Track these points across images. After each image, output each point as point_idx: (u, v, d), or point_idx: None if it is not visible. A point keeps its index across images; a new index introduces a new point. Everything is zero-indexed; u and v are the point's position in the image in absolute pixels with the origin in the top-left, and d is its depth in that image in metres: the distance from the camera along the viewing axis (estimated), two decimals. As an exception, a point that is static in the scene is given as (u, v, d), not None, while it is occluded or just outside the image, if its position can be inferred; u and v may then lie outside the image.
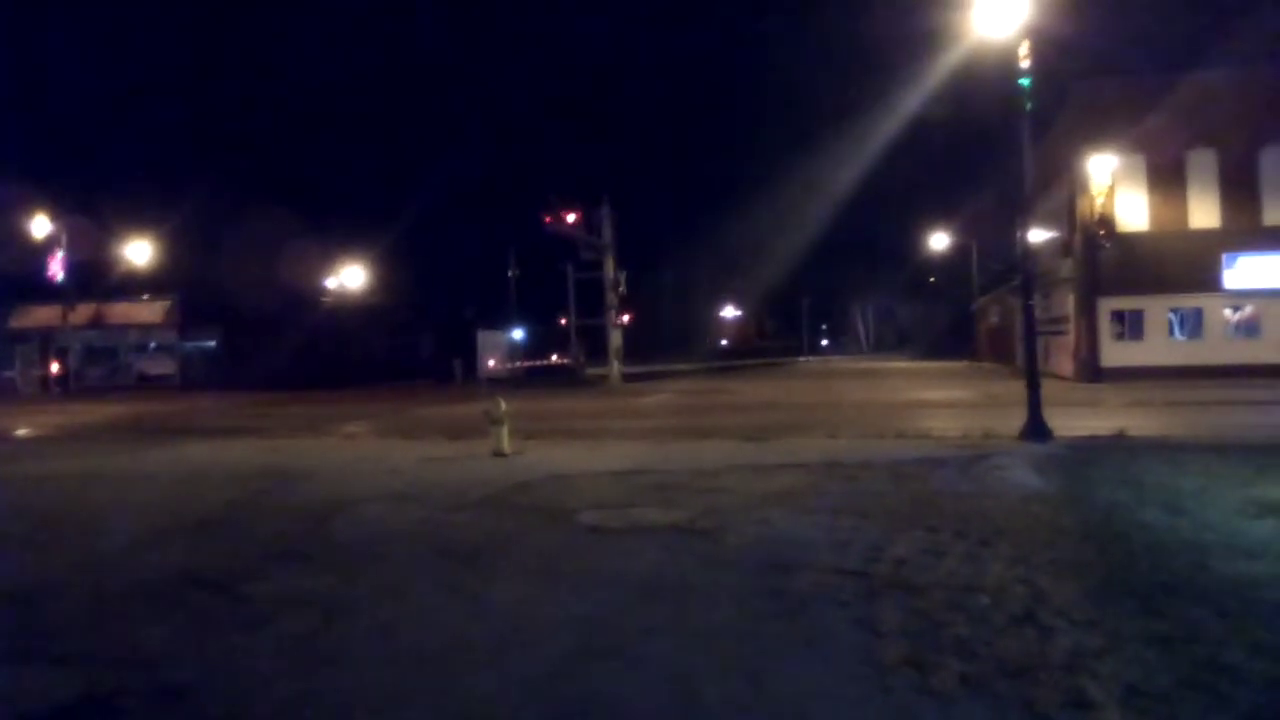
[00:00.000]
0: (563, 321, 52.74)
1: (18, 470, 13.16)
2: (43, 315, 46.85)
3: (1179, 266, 30.70)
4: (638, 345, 54.96)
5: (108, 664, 4.83)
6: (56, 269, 42.22)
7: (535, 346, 62.94)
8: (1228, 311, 31.21)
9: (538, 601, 5.80)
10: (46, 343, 46.68)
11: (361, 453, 14.77)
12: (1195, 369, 29.26)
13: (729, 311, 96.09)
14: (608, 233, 41.96)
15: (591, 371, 47.70)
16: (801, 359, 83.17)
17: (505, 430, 13.48)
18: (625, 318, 44.78)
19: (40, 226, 41.30)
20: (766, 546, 7.09)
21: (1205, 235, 30.88)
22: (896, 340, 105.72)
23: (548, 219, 38.79)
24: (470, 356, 48.77)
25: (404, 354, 52.31)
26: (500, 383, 39.86)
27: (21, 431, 21.44)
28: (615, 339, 43.25)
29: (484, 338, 50.42)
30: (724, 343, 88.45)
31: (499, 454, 13.18)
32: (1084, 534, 7.24)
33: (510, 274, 55.71)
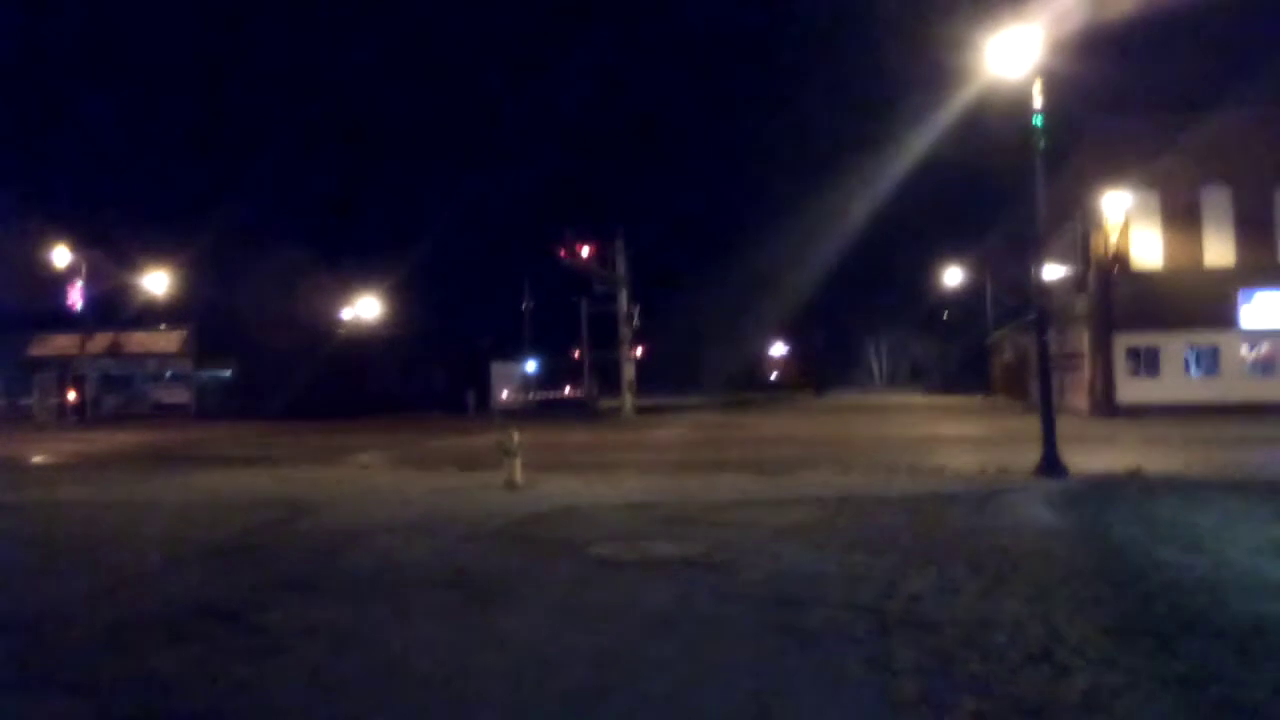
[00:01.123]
0: (576, 354, 52.86)
1: (33, 497, 13.22)
2: (61, 344, 47.26)
3: (1195, 303, 30.61)
4: (651, 378, 55.01)
5: (121, 692, 4.83)
6: (75, 299, 42.67)
7: (548, 378, 63.07)
8: (1244, 349, 31.06)
9: (549, 634, 5.77)
10: (64, 371, 47.05)
11: (374, 483, 14.78)
12: (1212, 406, 29.06)
13: (778, 348, 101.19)
14: (622, 266, 42.17)
15: (605, 404, 47.73)
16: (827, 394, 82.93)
17: (518, 462, 13.48)
18: (638, 351, 44.85)
19: (60, 257, 41.76)
20: (779, 581, 7.05)
21: (1221, 272, 30.81)
22: (910, 375, 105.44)
23: (562, 252, 39.04)
24: (484, 388, 48.94)
25: (418, 385, 52.47)
26: (513, 414, 39.95)
27: (38, 459, 21.54)
28: (628, 371, 43.31)
29: (497, 369, 50.64)
30: (774, 376, 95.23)
31: (511, 485, 13.17)
32: (1100, 571, 7.18)
33: (524, 306, 55.93)
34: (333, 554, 8.51)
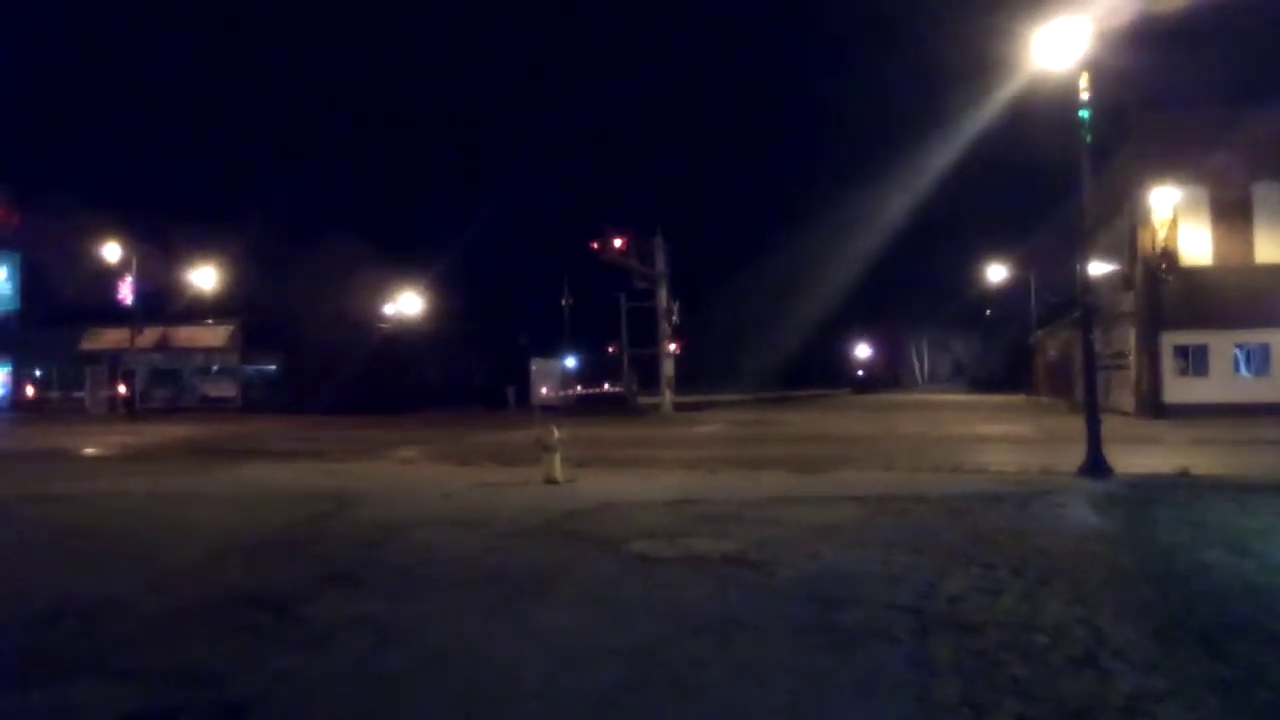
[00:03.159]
0: (615, 350, 52.93)
1: (84, 489, 13.51)
2: (111, 338, 48.21)
3: (1244, 301, 29.99)
4: (690, 374, 54.94)
5: (169, 680, 4.94)
6: (126, 293, 43.52)
7: (588, 374, 63.25)
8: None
9: (588, 630, 5.81)
10: (115, 365, 47.99)
11: (416, 478, 14.93)
12: (1262, 406, 28.41)
13: (863, 349, 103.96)
14: (661, 262, 42.17)
15: (643, 400, 47.75)
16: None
17: (557, 458, 13.55)
18: (677, 346, 44.84)
19: (111, 252, 42.59)
20: (818, 580, 7.03)
21: (1272, 269, 30.15)
22: (951, 373, 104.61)
23: (601, 248, 39.12)
24: (523, 383, 49.16)
25: (458, 380, 52.86)
26: (553, 410, 40.09)
27: (90, 450, 22.02)
28: (667, 368, 43.33)
29: (537, 365, 50.83)
30: (860, 373, 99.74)
31: (551, 481, 13.24)
32: (1145, 574, 7.09)
33: (564, 302, 56.11)
34: (375, 547, 8.62)
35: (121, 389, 46.77)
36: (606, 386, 61.53)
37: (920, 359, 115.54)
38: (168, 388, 50.09)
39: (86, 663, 5.27)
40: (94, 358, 49.98)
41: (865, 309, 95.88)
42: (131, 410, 44.18)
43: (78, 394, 49.52)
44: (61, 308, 50.02)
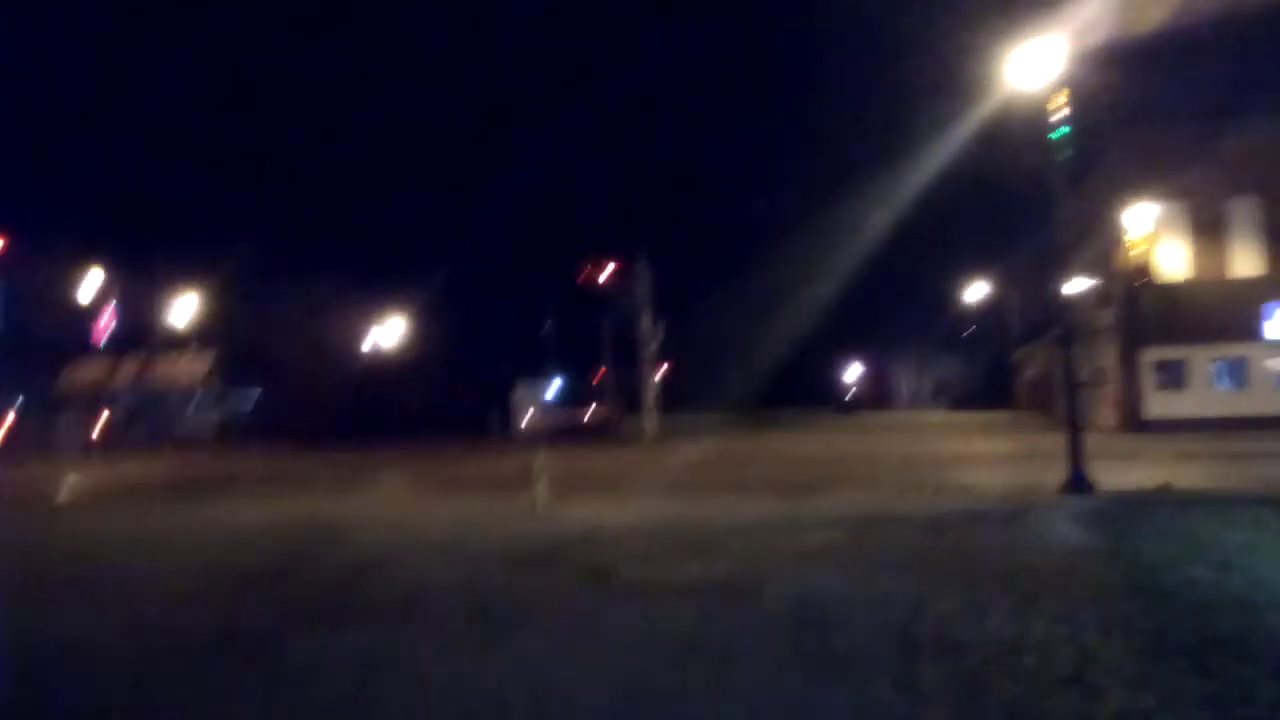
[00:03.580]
0: (599, 374, 52.86)
1: (59, 526, 13.32)
2: (89, 371, 47.78)
3: (1222, 316, 30.25)
4: (675, 397, 54.89)
5: (147, 722, 4.85)
6: (104, 327, 43.16)
7: (572, 400, 63.06)
8: (1273, 361, 30.65)
9: (575, 660, 5.75)
10: (92, 397, 47.53)
11: (399, 508, 14.82)
12: (1241, 420, 28.59)
13: (848, 370, 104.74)
14: (644, 286, 42.23)
15: (628, 424, 47.67)
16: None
17: (541, 484, 13.48)
18: (661, 370, 44.83)
19: (90, 285, 42.23)
20: (805, 604, 6.99)
21: (1248, 284, 30.44)
22: (934, 391, 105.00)
23: (583, 273, 39.19)
24: (507, 410, 48.97)
25: (442, 408, 52.58)
26: (537, 436, 39.96)
27: (65, 486, 21.74)
28: (651, 392, 43.30)
29: (520, 391, 50.67)
30: (851, 395, 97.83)
31: (535, 508, 13.16)
32: (1131, 590, 7.09)
33: (546, 327, 56.00)
34: (357, 580, 8.53)
35: (99, 423, 46.33)
36: (591, 412, 61.45)
37: (904, 378, 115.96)
38: (147, 420, 49.65)
39: (59, 704, 5.17)
40: (71, 391, 49.54)
41: (849, 329, 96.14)
42: (109, 444, 43.74)
43: (54, 429, 48.99)
44: (36, 341, 49.49)
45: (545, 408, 52.52)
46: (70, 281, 42.52)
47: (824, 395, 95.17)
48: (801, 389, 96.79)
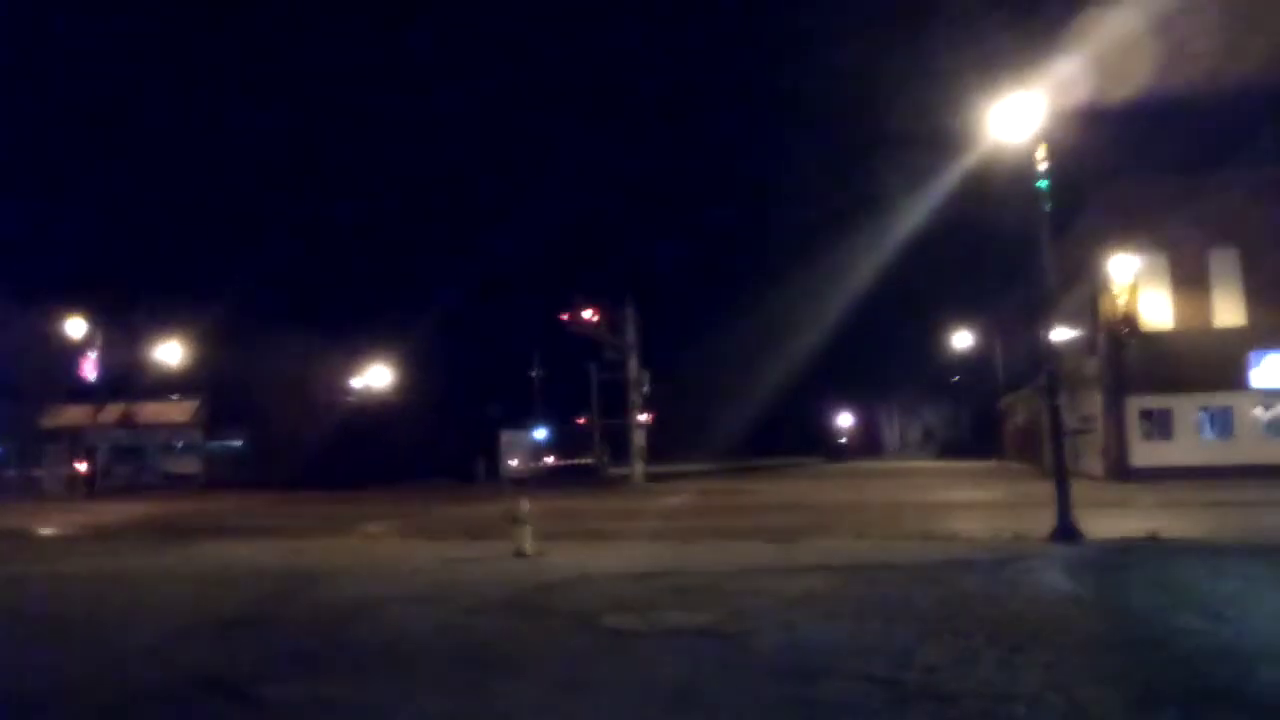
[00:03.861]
0: (586, 421, 52.76)
1: (40, 570, 13.15)
2: (72, 415, 47.45)
3: (1206, 365, 30.49)
4: (662, 444, 54.78)
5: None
6: (88, 370, 42.87)
7: (558, 446, 62.81)
8: (1258, 410, 30.85)
9: (560, 708, 5.68)
10: (75, 442, 47.15)
11: (383, 553, 14.69)
12: (1227, 468, 28.70)
13: (845, 418, 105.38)
14: (631, 333, 42.35)
15: (615, 471, 47.51)
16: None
17: (528, 530, 13.38)
18: (648, 417, 44.78)
19: (74, 329, 42.06)
20: (793, 652, 6.94)
21: (1232, 334, 30.73)
22: (922, 439, 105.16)
23: (570, 320, 39.28)
24: (493, 456, 48.78)
25: (427, 453, 52.31)
26: (523, 482, 39.79)
27: (46, 530, 21.49)
28: (638, 438, 43.19)
29: (507, 437, 50.55)
30: (839, 442, 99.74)
31: (521, 554, 13.05)
32: (1120, 640, 7.05)
33: (534, 373, 55.98)
34: (341, 626, 8.42)
35: (83, 467, 45.88)
36: (578, 458, 61.19)
37: (891, 426, 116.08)
38: (130, 465, 49.28)
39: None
40: (54, 435, 49.12)
41: (837, 377, 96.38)
42: (93, 488, 43.29)
43: (37, 473, 48.50)
44: (19, 384, 49.14)
45: (532, 452, 52.36)
46: (54, 326, 42.34)
47: (812, 442, 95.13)
48: (790, 436, 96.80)
